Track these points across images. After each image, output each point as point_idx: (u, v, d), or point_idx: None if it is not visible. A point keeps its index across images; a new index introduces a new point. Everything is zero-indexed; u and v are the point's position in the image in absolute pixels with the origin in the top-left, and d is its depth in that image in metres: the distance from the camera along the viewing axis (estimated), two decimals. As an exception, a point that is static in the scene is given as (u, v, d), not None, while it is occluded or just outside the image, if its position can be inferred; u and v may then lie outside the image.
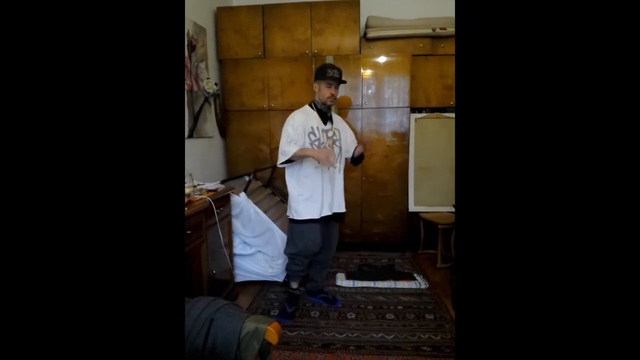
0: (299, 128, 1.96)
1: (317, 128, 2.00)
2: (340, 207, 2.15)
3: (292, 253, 2.15)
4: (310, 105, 2.09)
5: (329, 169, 1.99)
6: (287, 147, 1.91)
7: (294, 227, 2.11)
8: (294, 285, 2.24)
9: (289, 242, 2.17)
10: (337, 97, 2.08)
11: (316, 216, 2.03)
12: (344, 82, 2.08)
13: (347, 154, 2.20)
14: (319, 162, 1.91)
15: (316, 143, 1.99)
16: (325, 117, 2.06)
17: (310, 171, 2.01)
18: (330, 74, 1.99)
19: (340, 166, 2.12)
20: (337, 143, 2.10)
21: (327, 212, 2.07)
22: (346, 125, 2.23)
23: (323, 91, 2.01)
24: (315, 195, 2.03)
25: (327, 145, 2.02)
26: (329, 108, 2.07)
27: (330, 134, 2.06)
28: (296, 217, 2.06)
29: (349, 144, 2.18)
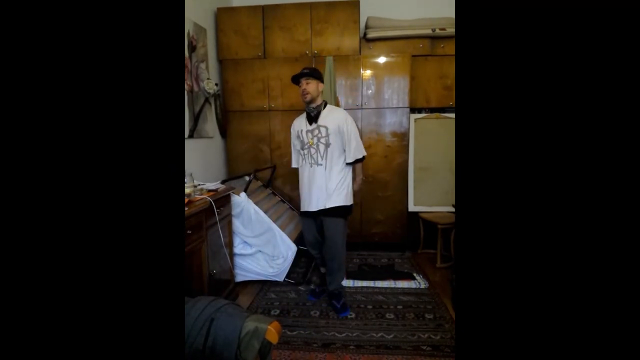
0: (293, 135, 2.29)
1: (302, 131, 2.19)
2: (330, 203, 2.13)
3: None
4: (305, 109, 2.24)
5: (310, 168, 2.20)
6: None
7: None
8: (322, 270, 2.42)
9: None
10: (311, 90, 2.08)
11: (302, 209, 2.26)
12: (311, 70, 2.10)
13: (346, 147, 2.15)
14: None
15: (300, 145, 2.23)
16: (310, 118, 2.18)
17: (301, 169, 2.27)
18: (298, 73, 2.11)
19: (325, 162, 2.14)
20: (322, 140, 2.15)
21: (313, 208, 2.17)
22: (341, 119, 2.13)
23: (299, 92, 2.16)
24: (302, 191, 2.26)
25: (308, 145, 2.18)
26: (315, 108, 2.15)
27: (315, 132, 2.16)
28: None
29: (344, 139, 2.14)
